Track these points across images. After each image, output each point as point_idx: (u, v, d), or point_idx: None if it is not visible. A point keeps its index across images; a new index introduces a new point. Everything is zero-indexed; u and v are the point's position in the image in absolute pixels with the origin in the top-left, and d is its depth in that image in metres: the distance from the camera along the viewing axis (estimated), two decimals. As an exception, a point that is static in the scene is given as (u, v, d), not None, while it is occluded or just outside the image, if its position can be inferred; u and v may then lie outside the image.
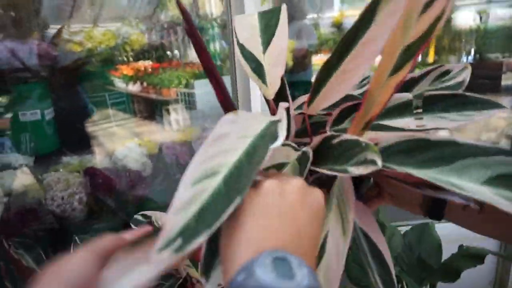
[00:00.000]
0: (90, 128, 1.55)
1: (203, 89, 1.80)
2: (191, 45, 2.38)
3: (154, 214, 0.77)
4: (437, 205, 0.41)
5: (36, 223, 1.11)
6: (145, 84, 2.56)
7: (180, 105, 1.89)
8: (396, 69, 0.34)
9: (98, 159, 1.35)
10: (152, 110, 2.08)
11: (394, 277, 0.40)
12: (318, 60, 2.82)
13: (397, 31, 0.33)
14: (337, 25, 3.07)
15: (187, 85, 2.25)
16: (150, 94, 2.38)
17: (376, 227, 0.42)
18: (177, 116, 1.69)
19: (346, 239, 0.35)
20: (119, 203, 1.15)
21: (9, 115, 1.35)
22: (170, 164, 1.39)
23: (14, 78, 1.32)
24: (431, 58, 2.75)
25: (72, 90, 1.53)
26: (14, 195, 1.14)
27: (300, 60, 2.24)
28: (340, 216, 0.36)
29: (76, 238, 0.71)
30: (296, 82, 2.23)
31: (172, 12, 2.95)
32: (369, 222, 0.42)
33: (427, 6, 0.33)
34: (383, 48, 0.35)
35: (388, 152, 0.33)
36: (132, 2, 2.22)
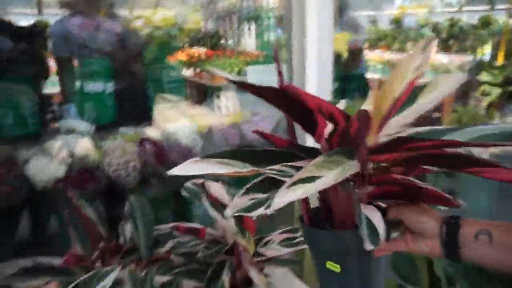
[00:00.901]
0: (145, 104, 1.65)
1: (254, 75, 1.84)
2: (245, 34, 2.44)
3: (206, 182, 0.81)
4: (451, 235, 0.40)
5: (93, 184, 1.21)
6: (198, 69, 2.66)
7: (231, 91, 1.95)
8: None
9: (152, 132, 1.43)
10: (204, 94, 2.16)
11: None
12: (375, 57, 2.77)
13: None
14: (397, 22, 3.00)
15: (239, 72, 2.30)
16: (202, 79, 2.47)
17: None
18: (227, 101, 1.74)
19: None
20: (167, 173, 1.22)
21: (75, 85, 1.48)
22: (218, 144, 1.44)
23: (82, 52, 1.43)
24: (500, 60, 2.61)
25: (132, 68, 1.64)
26: (76, 157, 1.24)
27: (355, 54, 2.21)
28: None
29: (131, 197, 0.76)
30: (349, 76, 2.21)
31: (229, 1, 3.03)
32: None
33: None
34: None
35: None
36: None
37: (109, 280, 0.48)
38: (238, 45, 3.10)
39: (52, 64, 1.50)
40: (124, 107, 1.61)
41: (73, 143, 1.27)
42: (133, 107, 1.65)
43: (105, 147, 1.32)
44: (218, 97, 1.84)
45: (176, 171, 0.41)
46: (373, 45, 3.05)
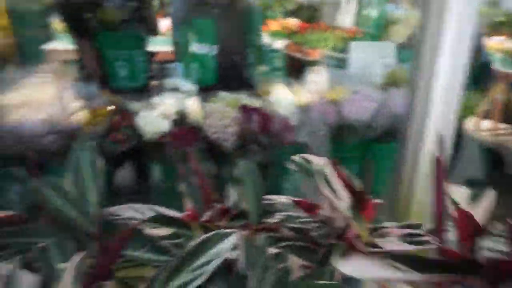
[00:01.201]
0: (244, 71, 1.66)
1: (358, 53, 1.75)
2: (342, 11, 2.30)
3: (313, 159, 0.79)
4: None
5: (195, 143, 1.26)
6: (291, 42, 2.60)
7: (327, 66, 1.88)
8: None
9: (251, 100, 1.44)
10: (299, 68, 2.11)
11: None
12: (493, 44, 2.46)
13: None
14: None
15: (334, 48, 2.21)
16: (296, 52, 2.42)
17: None
18: (322, 76, 1.67)
19: None
20: (267, 141, 1.22)
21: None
22: (315, 120, 1.41)
23: (194, 12, 1.47)
24: None
25: (235, 33, 1.64)
26: (180, 114, 1.30)
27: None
28: None
29: (241, 162, 0.76)
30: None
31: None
32: None
33: None
34: None
35: None
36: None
37: (228, 242, 0.48)
38: (335, 20, 2.97)
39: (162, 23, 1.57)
40: (225, 72, 1.64)
41: (179, 101, 1.33)
42: (233, 72, 1.67)
43: (206, 109, 1.36)
44: (313, 71, 1.79)
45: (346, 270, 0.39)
46: (493, 31, 2.71)
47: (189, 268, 0.44)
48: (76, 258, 0.45)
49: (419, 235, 0.59)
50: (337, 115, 1.44)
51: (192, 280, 0.43)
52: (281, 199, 0.79)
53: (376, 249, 0.62)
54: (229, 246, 0.53)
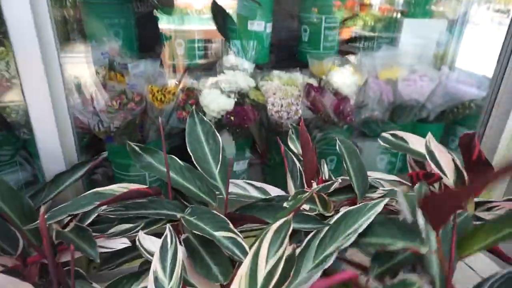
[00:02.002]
0: (298, 48, 1.67)
1: (411, 31, 1.74)
2: None
3: (405, 136, 0.82)
4: None
5: (255, 121, 1.29)
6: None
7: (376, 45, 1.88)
8: None
9: (305, 79, 1.46)
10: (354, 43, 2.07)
11: None
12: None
13: None
14: None
15: (371, 27, 2.18)
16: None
17: None
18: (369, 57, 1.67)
19: None
20: (335, 120, 1.25)
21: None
22: (373, 99, 1.42)
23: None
24: None
25: (290, 9, 1.65)
26: (241, 93, 1.33)
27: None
28: None
29: (339, 138, 0.79)
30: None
31: None
32: None
33: None
34: None
35: None
36: None
37: (375, 212, 0.52)
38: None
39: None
40: (278, 50, 1.66)
41: (239, 79, 1.36)
42: (285, 50, 1.69)
43: (265, 87, 1.39)
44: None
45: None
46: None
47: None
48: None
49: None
50: (393, 94, 1.45)
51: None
52: (375, 175, 0.83)
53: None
54: (376, 213, 0.56)
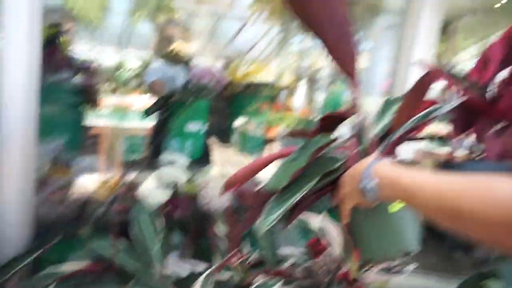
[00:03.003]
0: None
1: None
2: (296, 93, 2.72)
3: (310, 218, 1.03)
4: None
5: (190, 211, 1.46)
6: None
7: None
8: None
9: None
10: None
11: None
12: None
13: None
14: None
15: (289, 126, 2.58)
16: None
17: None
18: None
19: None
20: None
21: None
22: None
23: (190, 94, 1.76)
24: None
25: (223, 112, 1.94)
26: (177, 185, 1.51)
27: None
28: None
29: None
30: None
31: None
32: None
33: None
34: None
35: None
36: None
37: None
38: (289, 101, 3.41)
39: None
40: (209, 147, 1.90)
41: (174, 173, 1.54)
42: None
43: (198, 180, 1.58)
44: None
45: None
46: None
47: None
48: None
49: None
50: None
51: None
52: (290, 249, 1.03)
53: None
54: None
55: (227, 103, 1.90)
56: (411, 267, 0.90)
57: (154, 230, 0.87)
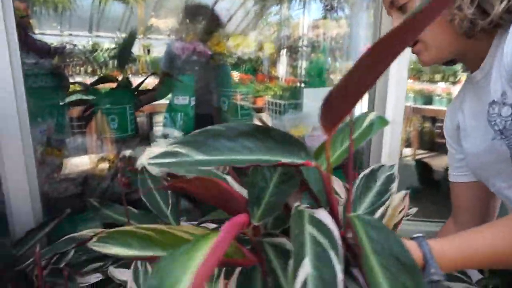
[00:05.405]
0: (219, 118, 1.94)
1: (309, 97, 2.13)
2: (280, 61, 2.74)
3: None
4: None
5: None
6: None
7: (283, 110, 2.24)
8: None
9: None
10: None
11: None
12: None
13: None
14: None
15: (281, 96, 2.61)
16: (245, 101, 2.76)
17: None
18: (268, 120, 2.01)
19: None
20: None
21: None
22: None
23: (179, 69, 1.75)
24: None
25: (210, 85, 1.94)
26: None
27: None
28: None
29: None
30: None
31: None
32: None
33: None
34: None
35: None
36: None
37: None
38: (273, 70, 3.43)
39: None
40: (199, 120, 1.91)
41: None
42: (208, 120, 1.95)
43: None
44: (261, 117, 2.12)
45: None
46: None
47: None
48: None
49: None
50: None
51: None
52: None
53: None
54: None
55: (212, 75, 1.90)
56: (413, 210, 0.95)
57: (166, 196, 0.89)
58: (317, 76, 2.60)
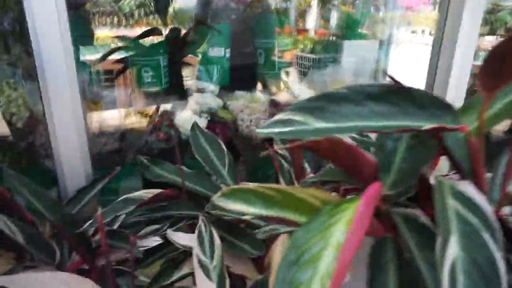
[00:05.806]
0: (255, 71, 1.85)
1: (351, 51, 2.00)
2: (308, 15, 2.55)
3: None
4: None
5: (228, 137, 1.43)
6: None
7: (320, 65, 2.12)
8: None
9: (266, 96, 1.63)
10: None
11: None
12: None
13: None
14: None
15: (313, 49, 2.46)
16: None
17: None
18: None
19: None
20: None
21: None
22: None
23: (214, 17, 1.64)
24: None
25: (246, 35, 1.83)
26: (211, 112, 1.46)
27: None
28: None
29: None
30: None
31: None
32: None
33: None
34: None
35: None
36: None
37: None
38: (300, 25, 3.23)
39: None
40: (236, 72, 1.82)
41: (209, 100, 1.49)
42: (244, 73, 1.85)
43: (232, 106, 1.53)
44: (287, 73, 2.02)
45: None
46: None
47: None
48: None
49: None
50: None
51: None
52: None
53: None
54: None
55: (248, 25, 1.78)
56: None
57: (219, 152, 0.83)
58: (351, 27, 2.43)
